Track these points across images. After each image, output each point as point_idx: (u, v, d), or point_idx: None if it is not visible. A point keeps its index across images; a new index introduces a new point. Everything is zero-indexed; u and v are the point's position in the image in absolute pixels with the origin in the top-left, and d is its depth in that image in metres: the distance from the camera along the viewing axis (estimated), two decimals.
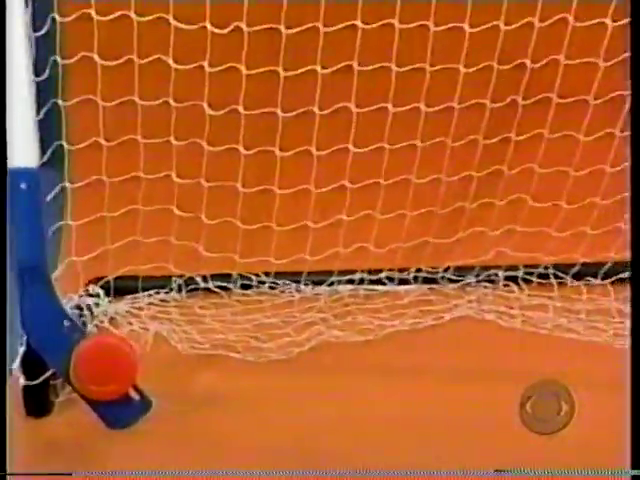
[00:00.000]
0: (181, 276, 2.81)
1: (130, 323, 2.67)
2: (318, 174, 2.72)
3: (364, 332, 2.67)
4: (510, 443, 2.16)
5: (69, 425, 2.28)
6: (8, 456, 1.83)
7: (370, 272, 2.87)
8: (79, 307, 2.62)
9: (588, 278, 2.84)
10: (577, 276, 2.85)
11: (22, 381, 2.23)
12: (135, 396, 2.21)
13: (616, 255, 2.81)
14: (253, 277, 2.84)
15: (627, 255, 2.65)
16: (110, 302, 2.73)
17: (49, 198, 2.35)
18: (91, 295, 2.70)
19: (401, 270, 2.88)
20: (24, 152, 2.16)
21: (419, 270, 2.87)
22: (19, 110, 2.14)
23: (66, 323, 2.23)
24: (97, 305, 2.68)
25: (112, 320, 2.67)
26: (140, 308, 2.76)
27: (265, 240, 2.77)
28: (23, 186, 2.15)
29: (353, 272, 2.87)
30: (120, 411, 2.21)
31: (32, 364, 2.23)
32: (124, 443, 2.19)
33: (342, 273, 2.86)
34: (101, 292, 2.72)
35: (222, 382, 2.49)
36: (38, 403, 2.30)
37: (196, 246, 2.74)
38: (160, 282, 2.81)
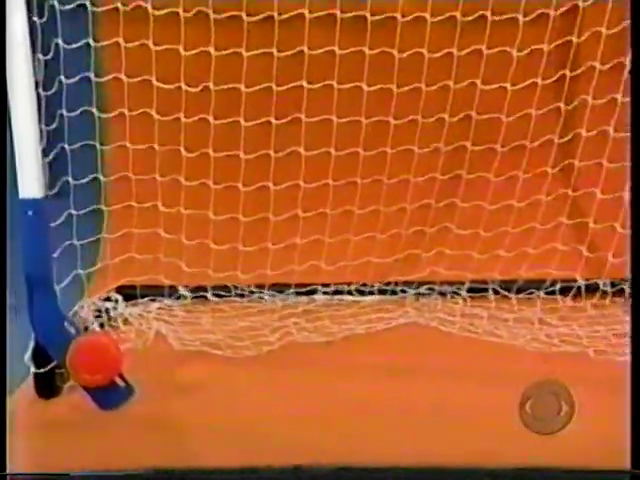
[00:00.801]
0: (186, 286, 3.10)
1: (140, 324, 2.96)
2: (275, 205, 3.04)
3: (327, 334, 2.90)
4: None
5: (72, 407, 2.52)
6: (8, 455, 2.13)
7: (338, 285, 3.14)
8: (98, 310, 2.95)
9: (505, 293, 3.08)
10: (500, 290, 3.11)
11: (32, 369, 2.55)
12: (121, 384, 2.51)
13: (525, 273, 3.06)
14: (245, 288, 3.12)
15: (536, 273, 3.06)
16: (126, 306, 3.04)
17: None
18: (109, 300, 3.02)
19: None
20: (31, 185, 2.49)
21: (387, 284, 3.15)
22: (29, 151, 2.49)
23: (66, 324, 2.55)
24: (115, 309, 3.00)
25: (125, 321, 2.97)
26: (149, 311, 3.04)
27: (233, 258, 3.07)
28: (30, 213, 2.49)
29: (327, 285, 3.13)
30: (109, 396, 2.51)
31: (40, 356, 2.55)
32: (119, 424, 2.44)
33: (313, 285, 3.12)
34: (120, 298, 3.04)
35: (205, 373, 2.69)
36: (46, 387, 2.58)
37: (179, 262, 3.07)
38: (162, 291, 3.11)
